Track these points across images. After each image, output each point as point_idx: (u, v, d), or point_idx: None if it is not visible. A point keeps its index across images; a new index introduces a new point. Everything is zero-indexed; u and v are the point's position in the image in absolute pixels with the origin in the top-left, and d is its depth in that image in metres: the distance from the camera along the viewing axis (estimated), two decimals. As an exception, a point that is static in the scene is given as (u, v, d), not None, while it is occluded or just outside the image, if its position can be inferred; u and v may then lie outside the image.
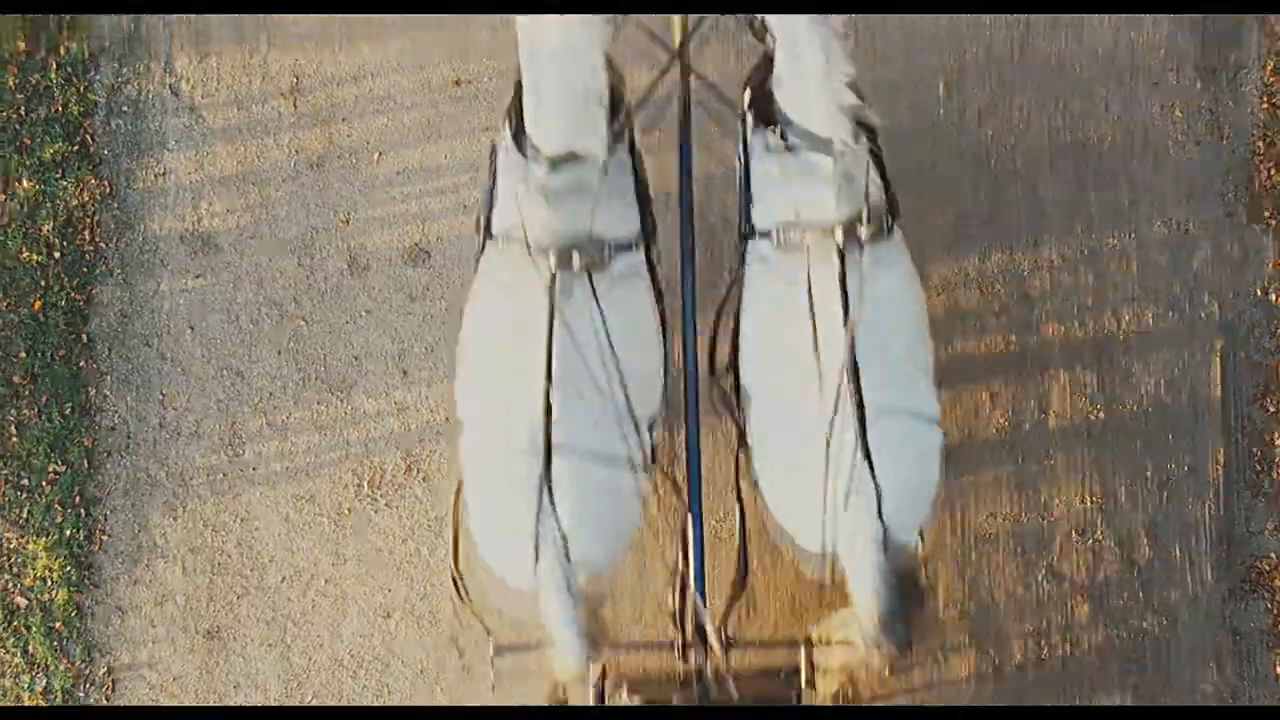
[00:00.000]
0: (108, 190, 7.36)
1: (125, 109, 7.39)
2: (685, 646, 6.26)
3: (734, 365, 6.15)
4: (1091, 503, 7.22)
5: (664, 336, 6.08)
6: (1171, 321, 7.30)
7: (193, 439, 7.30)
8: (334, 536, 7.25)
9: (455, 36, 7.38)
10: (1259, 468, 7.23)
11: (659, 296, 6.10)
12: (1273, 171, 7.27)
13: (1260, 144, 7.30)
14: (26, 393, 7.29)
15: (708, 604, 6.13)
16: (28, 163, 7.34)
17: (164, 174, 7.38)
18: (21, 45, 7.34)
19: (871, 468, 5.63)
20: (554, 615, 5.62)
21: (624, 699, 6.27)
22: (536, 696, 6.21)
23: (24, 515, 7.24)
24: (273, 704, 7.15)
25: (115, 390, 7.31)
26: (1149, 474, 7.24)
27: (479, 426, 5.93)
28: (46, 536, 7.20)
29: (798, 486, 5.84)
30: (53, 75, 7.36)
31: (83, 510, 7.25)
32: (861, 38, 7.17)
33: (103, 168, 7.38)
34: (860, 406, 5.66)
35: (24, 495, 7.25)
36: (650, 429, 6.01)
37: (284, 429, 7.31)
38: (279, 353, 7.35)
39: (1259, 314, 7.29)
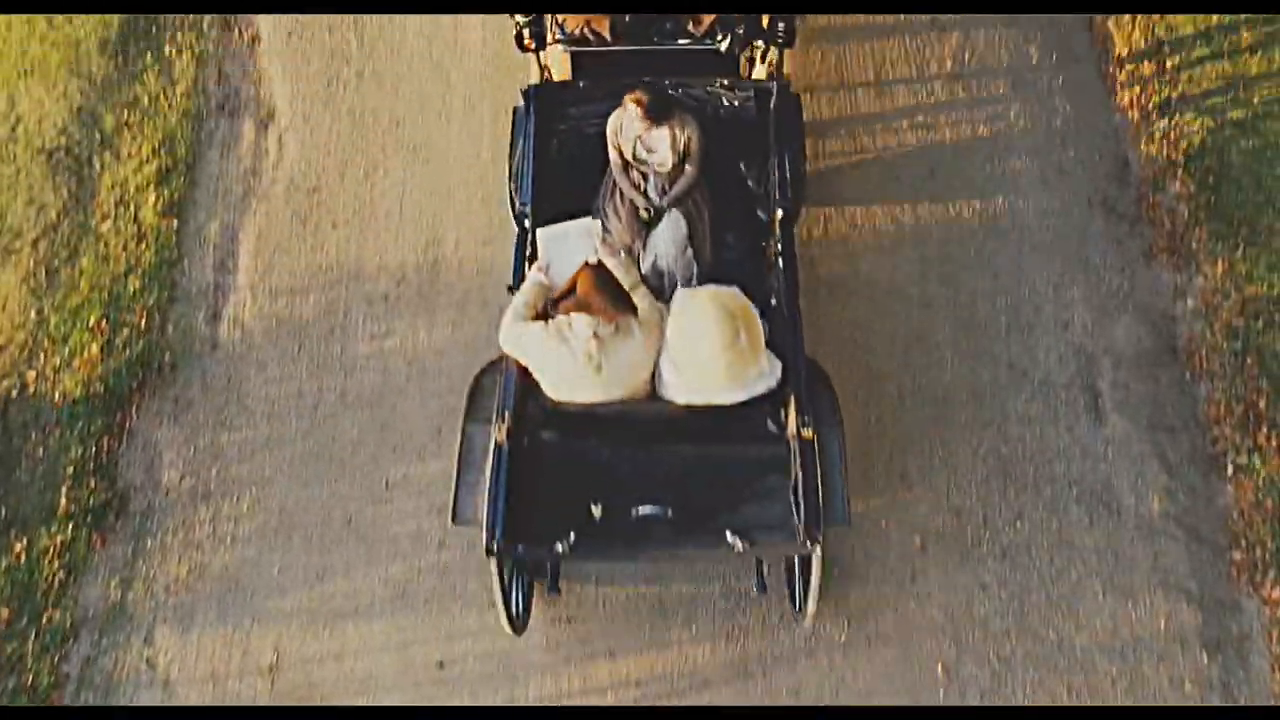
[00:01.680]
0: (60, 771, 6.96)
1: (97, 683, 7.14)
2: None
3: None
4: None
5: None
6: None
7: None
8: None
9: (440, 618, 7.27)
10: None
11: None
12: (1302, 746, 6.79)
13: (1284, 714, 6.88)
14: None
15: None
16: (-14, 738, 7.03)
17: (125, 751, 7.02)
18: (6, 613, 7.26)
19: None
20: None
21: None
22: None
23: None
24: None
25: None
26: None
27: None
28: None
29: None
30: (30, 646, 7.20)
31: None
32: (855, 627, 7.07)
33: (61, 750, 7.02)
34: None
35: None
36: None
37: None
38: None
39: None
